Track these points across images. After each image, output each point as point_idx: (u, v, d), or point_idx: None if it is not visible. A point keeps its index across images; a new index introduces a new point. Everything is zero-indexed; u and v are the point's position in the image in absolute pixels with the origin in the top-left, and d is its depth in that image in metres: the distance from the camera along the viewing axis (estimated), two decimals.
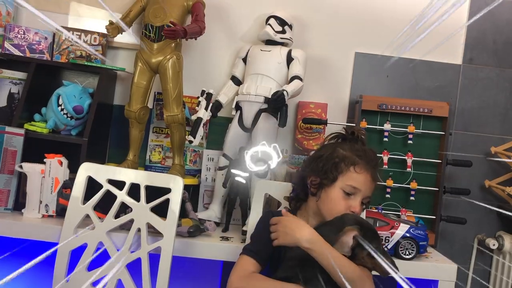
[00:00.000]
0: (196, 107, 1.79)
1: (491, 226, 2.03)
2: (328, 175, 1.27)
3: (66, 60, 1.87)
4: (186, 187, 1.77)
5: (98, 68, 1.81)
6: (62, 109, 1.74)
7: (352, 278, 1.16)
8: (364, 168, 1.27)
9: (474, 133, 2.02)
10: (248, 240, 1.44)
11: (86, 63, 1.80)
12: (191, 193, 1.86)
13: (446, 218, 1.85)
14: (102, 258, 1.54)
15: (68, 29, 1.88)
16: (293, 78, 1.77)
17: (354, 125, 1.87)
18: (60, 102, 1.75)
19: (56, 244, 1.55)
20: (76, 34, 1.88)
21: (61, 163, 1.66)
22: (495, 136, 2.01)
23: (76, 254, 1.55)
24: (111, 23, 1.71)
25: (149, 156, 1.97)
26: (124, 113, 1.79)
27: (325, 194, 1.29)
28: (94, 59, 1.90)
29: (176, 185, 1.54)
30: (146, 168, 1.95)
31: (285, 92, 1.66)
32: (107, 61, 1.91)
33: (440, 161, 1.86)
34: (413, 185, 1.85)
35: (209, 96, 1.79)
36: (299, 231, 1.22)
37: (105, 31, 1.77)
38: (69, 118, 1.76)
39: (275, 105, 1.66)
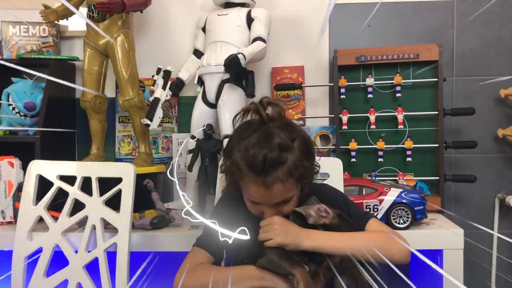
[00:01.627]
0: (152, 87, 1.62)
1: None
2: (231, 185, 1.09)
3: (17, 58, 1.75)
4: (153, 176, 1.62)
5: (48, 60, 1.69)
6: (13, 108, 1.63)
7: (376, 245, 0.98)
8: (252, 179, 0.99)
9: (479, 77, 1.73)
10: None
11: (34, 56, 1.67)
12: (163, 183, 1.70)
13: (451, 177, 1.59)
14: (60, 261, 1.41)
15: (15, 23, 1.76)
16: (254, 40, 1.57)
17: (332, 84, 1.65)
18: (11, 101, 1.63)
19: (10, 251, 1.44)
20: (24, 28, 1.76)
21: (12, 165, 1.54)
22: (505, 77, 1.71)
23: (34, 260, 1.43)
24: (46, 7, 1.57)
25: (119, 148, 1.82)
26: (80, 104, 1.66)
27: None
28: (46, 52, 1.78)
29: (127, 173, 1.38)
30: (117, 161, 1.81)
31: (240, 55, 1.46)
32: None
33: (436, 112, 1.60)
34: (409, 144, 1.61)
35: (167, 74, 1.62)
36: (299, 231, 1.01)
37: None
38: (22, 117, 1.65)
39: (230, 70, 1.47)
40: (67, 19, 1.66)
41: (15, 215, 1.54)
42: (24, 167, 1.56)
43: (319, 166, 1.12)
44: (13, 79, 1.67)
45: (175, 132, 1.82)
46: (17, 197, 1.54)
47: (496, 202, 1.74)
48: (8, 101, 1.64)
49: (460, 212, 1.75)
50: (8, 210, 1.54)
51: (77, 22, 1.79)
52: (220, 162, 1.59)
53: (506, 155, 1.73)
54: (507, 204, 1.67)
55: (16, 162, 1.55)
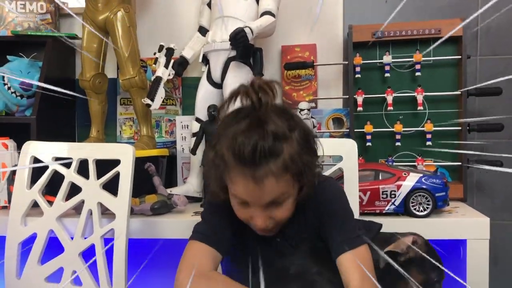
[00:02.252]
0: (154, 65, 1.53)
1: None
2: (215, 184, 0.88)
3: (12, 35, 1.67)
4: (155, 160, 1.54)
5: (45, 37, 1.60)
6: (9, 88, 1.55)
7: None
8: (240, 172, 0.80)
9: (505, 56, 1.61)
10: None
11: (30, 33, 1.59)
12: (166, 168, 1.61)
13: (475, 162, 1.47)
14: (55, 247, 1.33)
15: None
16: (263, 14, 1.47)
17: (347, 63, 1.54)
18: (6, 80, 1.55)
19: (5, 237, 1.36)
20: (20, 4, 1.67)
21: (6, 147, 1.46)
22: None
23: (28, 246, 1.36)
24: None
25: (120, 131, 1.74)
26: (79, 84, 1.57)
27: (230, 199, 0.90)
28: (44, 29, 1.69)
29: (125, 155, 1.28)
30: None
31: (247, 29, 1.35)
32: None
33: (459, 92, 1.48)
34: (429, 127, 1.49)
35: (169, 52, 1.53)
36: None
37: None
38: (19, 97, 1.57)
39: (236, 45, 1.37)
40: None
41: (10, 199, 1.46)
42: (20, 149, 1.49)
43: (321, 167, 0.95)
44: (8, 57, 1.59)
45: (179, 115, 1.72)
46: (11, 180, 1.46)
47: None
48: (3, 80, 1.55)
49: (483, 201, 1.63)
50: (2, 194, 1.47)
51: None
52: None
53: None
54: None
55: (11, 143, 1.47)
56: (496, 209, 1.64)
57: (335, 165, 1.26)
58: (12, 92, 1.55)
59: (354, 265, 0.85)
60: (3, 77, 1.55)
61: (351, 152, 1.25)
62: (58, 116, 1.67)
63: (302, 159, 0.82)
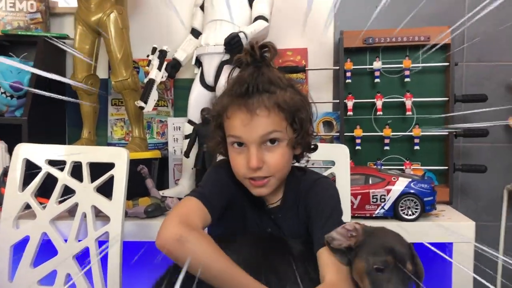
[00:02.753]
0: (147, 67, 1.53)
1: None
2: (217, 138, 0.94)
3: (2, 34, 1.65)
4: (147, 162, 1.54)
5: (36, 37, 1.58)
6: None
7: None
8: (235, 106, 0.86)
9: (490, 63, 1.66)
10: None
11: (20, 33, 1.57)
12: (158, 169, 1.62)
13: (461, 167, 1.52)
14: (48, 250, 1.33)
15: None
16: (256, 19, 1.48)
17: (338, 68, 1.56)
18: None
19: None
20: (10, 2, 1.65)
21: None
22: None
23: (20, 249, 1.35)
24: None
25: (111, 132, 1.73)
26: (71, 85, 1.57)
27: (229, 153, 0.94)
28: (34, 28, 1.67)
29: (119, 158, 1.29)
30: (109, 146, 1.72)
31: (241, 34, 1.37)
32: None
33: (447, 98, 1.52)
34: (417, 131, 1.53)
35: (162, 54, 1.54)
36: None
37: None
38: (9, 98, 1.55)
39: (231, 49, 1.38)
40: None
41: (1, 202, 1.45)
42: (10, 151, 1.48)
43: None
44: None
45: (171, 116, 1.73)
46: (2, 182, 1.45)
47: (505, 193, 1.68)
48: None
49: (467, 203, 1.68)
50: None
51: None
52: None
53: None
54: None
55: (1, 145, 1.46)
56: (479, 211, 1.70)
57: (330, 167, 1.28)
58: (2, 93, 1.54)
59: (331, 260, 0.86)
60: None
61: (343, 157, 1.28)
62: (49, 117, 1.66)
63: (296, 105, 0.87)
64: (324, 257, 0.87)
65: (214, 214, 0.90)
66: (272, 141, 0.87)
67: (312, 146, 0.97)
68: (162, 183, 1.65)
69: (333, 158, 1.28)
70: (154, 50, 1.53)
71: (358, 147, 1.56)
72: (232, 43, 1.35)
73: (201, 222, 0.86)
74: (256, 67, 0.88)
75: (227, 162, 0.96)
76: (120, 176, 1.28)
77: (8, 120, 1.54)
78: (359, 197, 1.33)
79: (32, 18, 1.66)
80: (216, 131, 0.94)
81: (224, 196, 0.94)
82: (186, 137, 1.56)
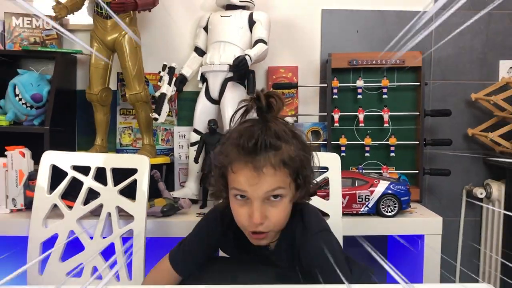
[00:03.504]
0: (159, 83, 1.71)
1: (478, 176, 1.97)
2: (219, 183, 0.97)
3: (20, 48, 1.78)
4: (159, 167, 1.72)
5: (53, 53, 1.73)
6: (20, 99, 1.67)
7: None
8: (242, 162, 0.89)
9: (452, 82, 1.94)
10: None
11: (40, 49, 1.72)
12: (166, 173, 1.80)
13: (429, 171, 1.79)
14: (75, 247, 1.49)
15: (18, 14, 1.79)
16: (256, 42, 1.69)
17: (326, 85, 1.80)
18: (17, 92, 1.67)
19: (26, 238, 1.50)
20: (27, 20, 1.79)
21: (23, 155, 1.59)
22: (475, 82, 1.93)
23: (48, 246, 1.51)
24: (57, 2, 1.62)
25: (119, 139, 1.90)
26: (86, 97, 1.72)
27: (230, 203, 0.98)
28: (49, 44, 1.82)
29: (142, 164, 1.47)
30: (118, 152, 1.89)
31: (247, 57, 1.58)
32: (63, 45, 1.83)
33: (418, 113, 1.79)
34: (392, 140, 1.79)
35: (171, 70, 1.72)
36: None
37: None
38: (29, 108, 1.69)
39: (238, 70, 1.59)
40: (73, 14, 1.71)
41: (25, 203, 1.60)
42: (33, 158, 1.63)
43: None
44: (19, 70, 1.71)
45: (175, 125, 1.91)
46: (27, 186, 1.60)
47: (464, 193, 1.96)
48: (14, 92, 1.67)
49: (433, 201, 1.96)
50: (19, 198, 1.60)
51: (79, 16, 1.84)
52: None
53: (473, 151, 1.95)
54: (474, 195, 1.89)
55: (27, 152, 1.60)
56: (442, 208, 1.97)
57: (325, 171, 1.50)
58: (23, 103, 1.67)
59: None
60: (15, 88, 1.67)
61: (335, 163, 1.51)
62: (62, 126, 1.80)
63: (300, 160, 0.91)
64: None
65: (184, 273, 1.09)
66: (276, 196, 0.91)
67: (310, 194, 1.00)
68: (168, 186, 1.82)
69: (327, 165, 1.51)
70: (164, 67, 1.71)
71: (343, 154, 1.80)
72: (240, 65, 1.56)
73: (166, 282, 1.10)
74: (263, 120, 0.90)
75: (221, 210, 1.04)
76: (143, 180, 1.46)
77: (31, 129, 1.68)
78: (347, 197, 1.56)
79: (48, 34, 1.81)
80: (219, 180, 0.96)
81: (206, 252, 1.11)
82: (192, 144, 1.75)
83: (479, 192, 1.86)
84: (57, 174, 1.51)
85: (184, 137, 1.85)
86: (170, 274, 1.10)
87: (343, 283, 0.87)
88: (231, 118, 0.98)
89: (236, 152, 0.89)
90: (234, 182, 0.91)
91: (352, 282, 0.95)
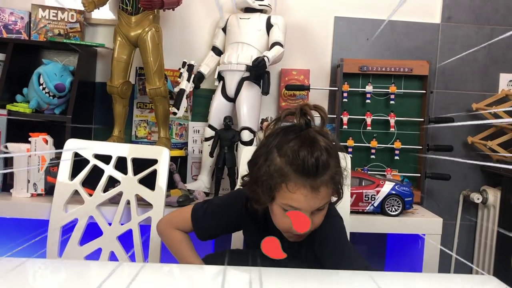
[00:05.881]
0: (178, 79, 1.78)
1: (475, 182, 2.07)
2: (264, 194, 0.98)
3: (45, 39, 1.85)
4: (174, 160, 1.79)
5: (77, 45, 1.80)
6: (43, 88, 1.73)
7: None
8: (300, 183, 0.93)
9: (455, 91, 2.04)
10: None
11: (64, 41, 1.78)
12: (179, 166, 1.87)
13: (430, 175, 1.88)
14: (93, 232, 1.56)
15: (44, 7, 1.86)
16: (273, 44, 1.77)
17: (337, 88, 1.89)
18: (41, 81, 1.73)
19: (46, 221, 1.57)
20: (53, 12, 1.86)
21: (46, 141, 1.66)
22: (476, 92, 2.03)
23: (67, 230, 1.57)
24: None
25: (135, 132, 1.97)
26: (107, 89, 1.79)
27: (270, 209, 1.03)
28: (73, 36, 1.88)
29: (162, 155, 1.54)
30: (133, 143, 1.95)
31: (265, 58, 1.66)
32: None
33: (422, 119, 1.88)
34: (397, 144, 1.88)
35: (190, 68, 1.79)
36: None
37: (81, 8, 1.75)
38: (51, 97, 1.75)
39: (256, 71, 1.67)
40: (98, 8, 1.78)
41: (46, 188, 1.66)
42: (54, 145, 1.70)
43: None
44: (44, 60, 1.78)
45: (189, 121, 1.98)
46: (49, 172, 1.66)
47: (461, 197, 2.06)
48: (39, 81, 1.74)
49: (431, 204, 2.05)
50: (40, 183, 1.66)
51: (101, 10, 1.90)
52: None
53: (471, 158, 2.05)
54: (471, 200, 1.98)
55: (49, 139, 1.67)
56: (440, 211, 2.06)
57: None
58: (46, 92, 1.74)
59: None
60: (39, 78, 1.74)
61: (346, 163, 1.59)
62: (80, 116, 1.87)
63: (340, 171, 1.00)
64: None
65: (198, 230, 1.15)
66: (322, 208, 0.99)
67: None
68: (181, 178, 1.90)
69: None
70: (184, 64, 1.78)
71: (350, 155, 1.88)
72: (260, 66, 1.64)
73: (182, 228, 1.18)
74: (311, 138, 0.94)
75: (247, 196, 1.07)
76: (163, 170, 1.54)
77: (54, 118, 1.74)
78: (354, 195, 1.65)
79: (72, 27, 1.87)
80: (267, 191, 0.97)
81: (225, 225, 1.16)
82: (206, 139, 1.83)
83: (476, 197, 1.96)
84: (75, 163, 1.58)
85: (198, 132, 1.93)
86: (186, 224, 1.16)
87: (354, 268, 0.97)
88: (265, 126, 1.08)
89: (294, 172, 0.93)
90: (289, 200, 0.95)
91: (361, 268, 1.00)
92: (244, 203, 1.10)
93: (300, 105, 0.99)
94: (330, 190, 0.98)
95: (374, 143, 1.89)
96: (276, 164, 0.95)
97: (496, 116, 1.94)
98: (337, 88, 1.89)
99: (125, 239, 1.56)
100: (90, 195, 1.56)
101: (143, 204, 1.56)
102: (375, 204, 1.65)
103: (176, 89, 1.77)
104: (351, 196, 1.64)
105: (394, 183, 1.66)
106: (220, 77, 1.85)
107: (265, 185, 0.97)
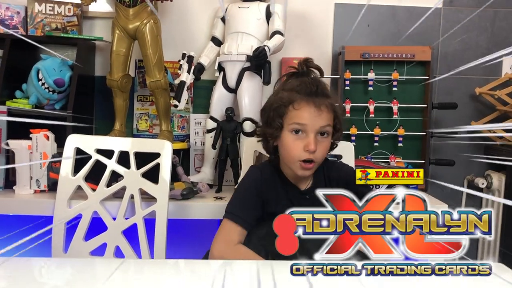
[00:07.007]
0: (178, 71, 1.76)
1: (479, 167, 2.06)
2: (276, 124, 1.15)
3: (42, 34, 1.83)
4: (176, 152, 1.78)
5: (75, 39, 1.78)
6: (43, 84, 1.72)
7: None
8: (304, 100, 1.11)
9: (458, 76, 2.02)
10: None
11: (62, 35, 1.76)
12: (182, 158, 1.86)
13: (435, 161, 1.87)
14: (98, 227, 1.56)
15: (40, 1, 1.83)
16: (273, 33, 1.75)
17: (338, 76, 1.87)
18: (40, 76, 1.72)
19: (50, 217, 1.56)
20: (49, 6, 1.83)
21: (47, 137, 1.65)
22: (479, 77, 2.01)
23: (72, 226, 1.56)
24: None
25: (136, 125, 1.96)
26: (106, 83, 1.77)
27: (281, 143, 1.18)
28: (70, 30, 1.86)
29: (165, 149, 1.53)
30: (134, 137, 1.94)
31: (266, 48, 1.64)
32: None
33: (425, 105, 1.87)
34: (401, 131, 1.87)
35: (190, 59, 1.77)
36: None
37: (78, 1, 1.73)
38: (51, 92, 1.74)
39: (257, 61, 1.65)
40: (95, 1, 1.76)
41: (49, 185, 1.66)
42: (55, 141, 1.68)
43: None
44: (42, 55, 1.76)
45: (190, 112, 1.97)
46: (51, 168, 1.65)
47: (465, 183, 2.06)
48: (37, 76, 1.72)
49: (435, 190, 2.04)
50: (42, 179, 1.65)
51: (99, 3, 1.88)
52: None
53: (475, 143, 2.04)
54: (475, 185, 1.98)
55: (51, 135, 1.65)
56: (444, 197, 2.06)
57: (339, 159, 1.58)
58: (45, 88, 1.72)
59: None
60: (38, 73, 1.72)
61: (349, 152, 1.59)
62: (82, 111, 1.85)
63: (339, 112, 1.16)
64: None
65: (246, 225, 1.17)
66: (322, 133, 1.13)
67: (335, 145, 1.25)
68: (186, 171, 1.89)
69: (341, 153, 1.58)
70: (183, 55, 1.76)
71: (353, 143, 1.87)
72: (260, 56, 1.62)
73: (237, 237, 1.16)
74: (312, 78, 1.16)
75: (259, 166, 1.25)
76: (166, 163, 1.53)
77: (54, 113, 1.73)
78: None
79: (69, 21, 1.85)
80: (276, 119, 1.15)
81: (258, 203, 1.20)
82: (208, 131, 1.82)
83: (480, 182, 1.95)
84: (77, 158, 1.57)
85: (200, 124, 1.92)
86: (236, 232, 1.16)
87: None
88: (281, 77, 1.26)
89: (298, 94, 1.12)
90: (296, 118, 1.12)
91: None
92: (261, 172, 1.23)
93: (304, 58, 1.20)
94: (331, 115, 1.13)
95: (377, 131, 1.87)
96: (283, 96, 1.15)
97: (499, 100, 1.93)
98: (339, 76, 1.87)
99: (130, 234, 1.55)
100: (94, 190, 1.55)
101: (147, 198, 1.55)
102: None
103: (177, 81, 1.75)
104: None
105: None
106: (221, 68, 1.83)
107: (274, 115, 1.15)
